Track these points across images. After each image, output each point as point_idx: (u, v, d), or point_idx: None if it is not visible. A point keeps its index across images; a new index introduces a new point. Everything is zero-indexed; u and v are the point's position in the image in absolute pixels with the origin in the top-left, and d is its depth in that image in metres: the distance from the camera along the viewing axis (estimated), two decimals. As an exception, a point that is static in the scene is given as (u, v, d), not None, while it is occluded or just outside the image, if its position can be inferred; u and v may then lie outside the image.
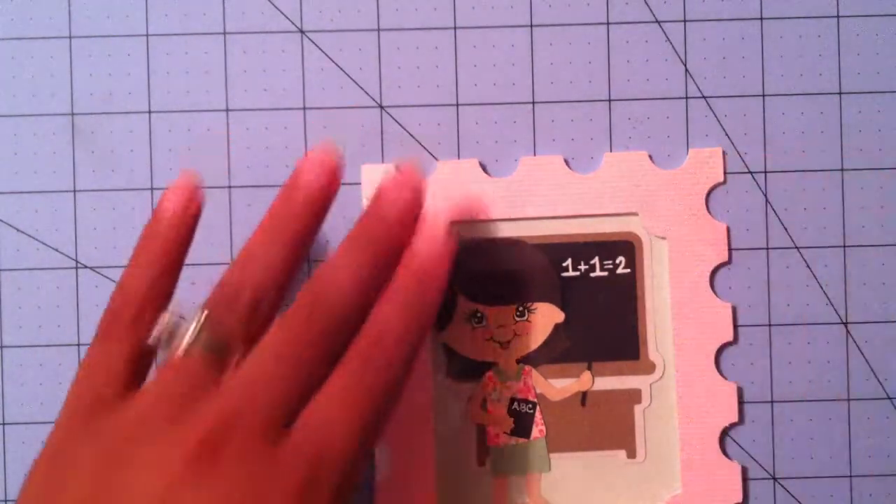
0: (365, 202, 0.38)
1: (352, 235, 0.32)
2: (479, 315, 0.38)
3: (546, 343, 0.38)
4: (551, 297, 0.38)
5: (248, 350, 0.29)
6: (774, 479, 0.39)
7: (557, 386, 0.38)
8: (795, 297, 0.39)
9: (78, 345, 0.38)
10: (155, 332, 0.29)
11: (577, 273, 0.38)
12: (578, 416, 0.38)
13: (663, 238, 0.38)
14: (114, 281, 0.38)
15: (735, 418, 0.38)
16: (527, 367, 0.38)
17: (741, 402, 0.38)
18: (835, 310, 0.39)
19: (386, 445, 0.38)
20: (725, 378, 0.38)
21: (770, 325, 0.39)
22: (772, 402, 0.39)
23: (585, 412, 0.38)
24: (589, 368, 0.38)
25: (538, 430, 0.38)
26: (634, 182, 0.38)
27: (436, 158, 0.39)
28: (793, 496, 0.39)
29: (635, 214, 0.38)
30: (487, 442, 0.38)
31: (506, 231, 0.38)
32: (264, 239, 0.31)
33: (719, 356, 0.38)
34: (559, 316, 0.38)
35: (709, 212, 0.38)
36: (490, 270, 0.38)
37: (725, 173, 0.38)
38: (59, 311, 0.39)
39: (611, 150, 0.39)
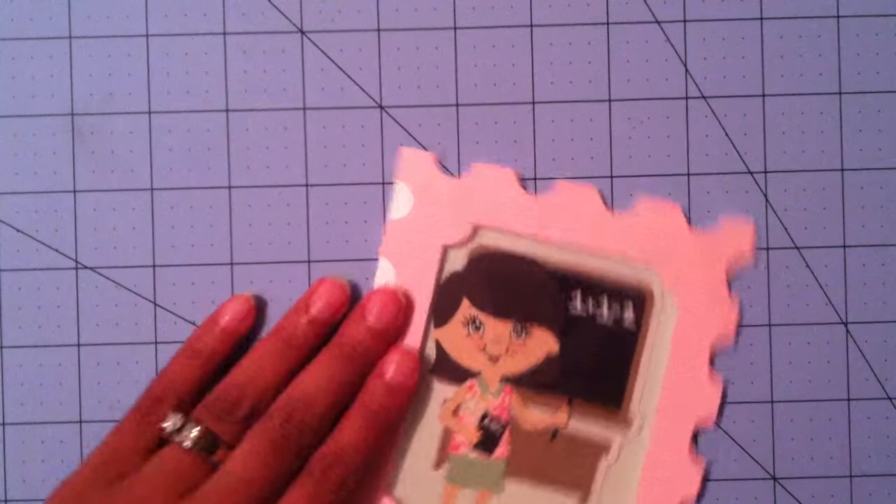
0: (400, 182, 0.38)
1: (333, 348, 0.35)
2: (477, 323, 0.38)
3: (534, 369, 0.38)
4: (552, 325, 0.38)
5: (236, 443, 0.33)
6: (774, 479, 0.39)
7: (533, 414, 0.38)
8: (795, 297, 0.39)
9: (78, 345, 0.38)
10: (167, 426, 0.33)
11: (584, 309, 0.38)
12: (544, 450, 0.38)
13: (675, 299, 0.38)
14: (114, 281, 0.39)
15: (694, 500, 0.38)
16: (508, 387, 0.38)
17: (706, 479, 0.38)
18: (835, 310, 0.39)
19: None
20: (698, 453, 0.38)
21: (770, 325, 0.39)
22: (772, 402, 0.39)
23: (552, 447, 0.38)
24: (569, 404, 0.38)
25: (502, 450, 0.38)
26: (662, 235, 0.38)
27: (458, 163, 0.39)
28: (793, 496, 0.39)
29: (654, 268, 0.38)
30: (449, 448, 0.38)
31: (526, 249, 0.38)
32: (269, 352, 0.35)
33: (697, 433, 0.38)
34: (554, 346, 0.38)
35: (728, 286, 0.38)
36: (500, 283, 0.38)
37: (756, 250, 0.38)
38: (59, 311, 0.39)
39: (610, 150, 0.39)
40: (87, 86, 0.39)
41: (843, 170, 0.39)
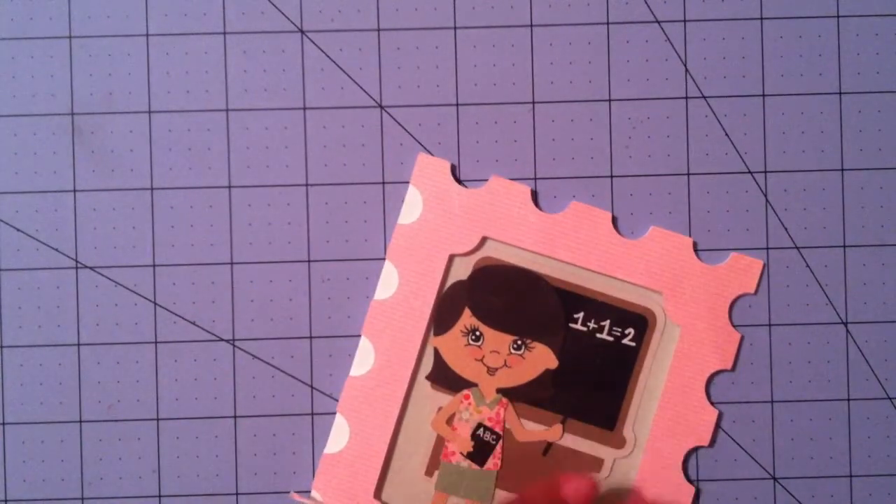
0: (413, 187, 0.38)
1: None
2: (477, 333, 0.38)
3: (531, 384, 0.38)
4: (552, 342, 0.38)
5: None
6: (774, 479, 0.39)
7: (527, 428, 0.38)
8: (795, 297, 0.39)
9: (78, 345, 0.38)
10: None
11: (585, 329, 0.38)
12: (536, 464, 0.38)
13: (678, 326, 0.38)
14: (114, 280, 0.39)
15: None
16: (504, 400, 0.38)
17: (696, 501, 0.38)
18: (835, 310, 0.39)
19: (345, 419, 0.38)
20: (689, 480, 0.38)
21: (770, 325, 0.39)
22: (772, 402, 0.39)
23: (544, 462, 0.38)
24: (562, 422, 0.38)
25: (493, 462, 0.38)
26: (671, 264, 0.38)
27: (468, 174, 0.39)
28: (793, 496, 0.39)
29: (659, 293, 0.38)
30: (441, 456, 0.38)
31: (534, 264, 0.38)
32: None
33: (688, 458, 0.38)
34: (553, 362, 0.38)
35: (730, 318, 0.38)
36: (504, 295, 0.38)
37: (759, 284, 0.38)
38: (59, 311, 0.39)
39: (610, 150, 0.39)
40: (87, 85, 0.39)
41: (843, 170, 0.39)
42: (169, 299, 0.39)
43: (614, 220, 0.38)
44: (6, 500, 0.38)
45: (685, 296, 0.38)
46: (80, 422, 0.38)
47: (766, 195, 0.39)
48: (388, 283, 0.38)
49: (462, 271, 0.38)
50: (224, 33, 0.39)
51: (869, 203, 0.39)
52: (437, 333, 0.38)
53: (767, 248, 0.39)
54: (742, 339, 0.38)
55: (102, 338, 0.39)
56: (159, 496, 0.38)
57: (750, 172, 0.39)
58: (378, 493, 0.38)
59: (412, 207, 0.38)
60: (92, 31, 0.39)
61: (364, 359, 0.38)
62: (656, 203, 0.39)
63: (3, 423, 0.39)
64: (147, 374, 0.38)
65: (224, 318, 0.39)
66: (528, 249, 0.38)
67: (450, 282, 0.38)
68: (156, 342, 0.39)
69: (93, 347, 0.38)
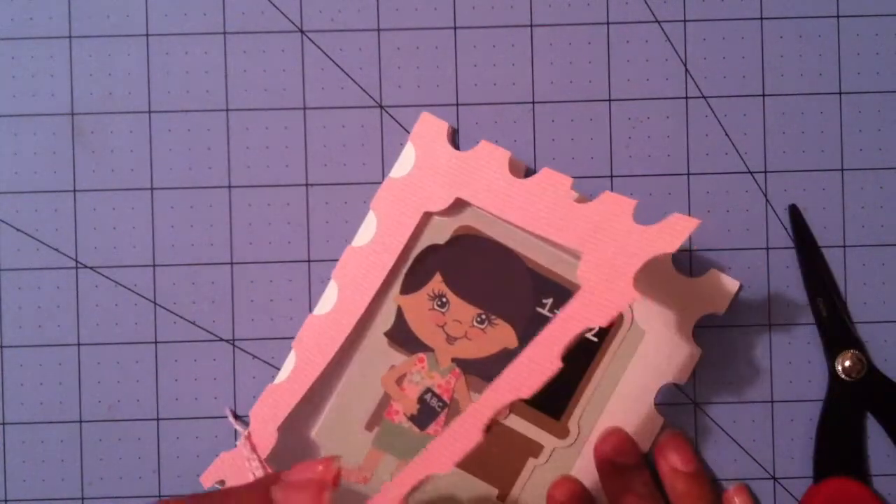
0: (410, 144, 0.38)
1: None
2: (444, 300, 0.38)
3: (487, 360, 0.38)
4: (516, 322, 0.38)
5: None
6: (774, 479, 0.39)
7: (474, 401, 0.38)
8: (795, 296, 0.39)
9: (78, 345, 0.38)
10: None
11: (551, 316, 0.37)
12: None
13: (643, 330, 0.37)
14: (114, 280, 0.39)
15: None
16: (458, 370, 0.38)
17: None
18: (835, 310, 0.39)
19: (294, 352, 0.37)
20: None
21: (770, 325, 0.39)
22: (772, 402, 0.39)
23: (484, 438, 0.38)
24: (510, 403, 0.37)
25: (435, 428, 0.38)
26: (607, 227, 0.35)
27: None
28: (793, 496, 0.39)
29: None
30: (385, 413, 0.38)
31: (513, 239, 0.38)
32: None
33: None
34: (513, 342, 0.38)
35: (693, 334, 0.37)
36: (478, 267, 0.38)
37: (732, 303, 0.37)
38: (59, 311, 0.39)
39: (610, 150, 0.39)
40: (87, 85, 0.39)
41: (843, 170, 0.39)
42: (169, 299, 0.39)
43: (571, 186, 0.35)
44: (6, 500, 0.38)
45: (657, 300, 0.37)
46: (80, 422, 0.38)
47: (766, 195, 0.39)
48: (367, 232, 0.38)
49: (440, 235, 0.38)
50: (224, 33, 0.39)
51: (869, 203, 0.39)
52: (403, 292, 0.38)
53: (767, 248, 0.39)
54: (702, 355, 0.37)
55: (102, 338, 0.39)
56: (159, 496, 0.38)
57: (750, 172, 0.39)
58: (318, 440, 0.37)
59: (405, 163, 0.38)
60: (92, 31, 0.39)
61: (328, 300, 0.38)
62: (656, 203, 0.39)
63: (3, 423, 0.39)
64: (147, 374, 0.38)
65: (224, 318, 0.39)
66: (491, 213, 0.37)
67: (425, 243, 0.38)
68: (156, 342, 0.39)
69: (93, 347, 0.38)
